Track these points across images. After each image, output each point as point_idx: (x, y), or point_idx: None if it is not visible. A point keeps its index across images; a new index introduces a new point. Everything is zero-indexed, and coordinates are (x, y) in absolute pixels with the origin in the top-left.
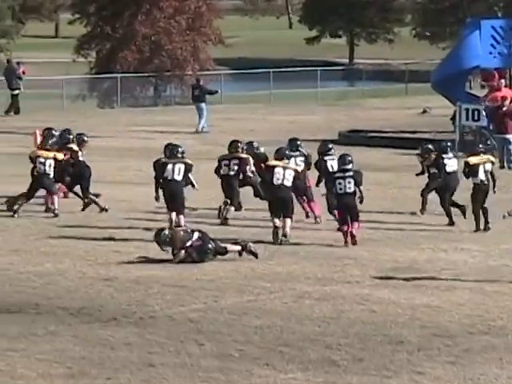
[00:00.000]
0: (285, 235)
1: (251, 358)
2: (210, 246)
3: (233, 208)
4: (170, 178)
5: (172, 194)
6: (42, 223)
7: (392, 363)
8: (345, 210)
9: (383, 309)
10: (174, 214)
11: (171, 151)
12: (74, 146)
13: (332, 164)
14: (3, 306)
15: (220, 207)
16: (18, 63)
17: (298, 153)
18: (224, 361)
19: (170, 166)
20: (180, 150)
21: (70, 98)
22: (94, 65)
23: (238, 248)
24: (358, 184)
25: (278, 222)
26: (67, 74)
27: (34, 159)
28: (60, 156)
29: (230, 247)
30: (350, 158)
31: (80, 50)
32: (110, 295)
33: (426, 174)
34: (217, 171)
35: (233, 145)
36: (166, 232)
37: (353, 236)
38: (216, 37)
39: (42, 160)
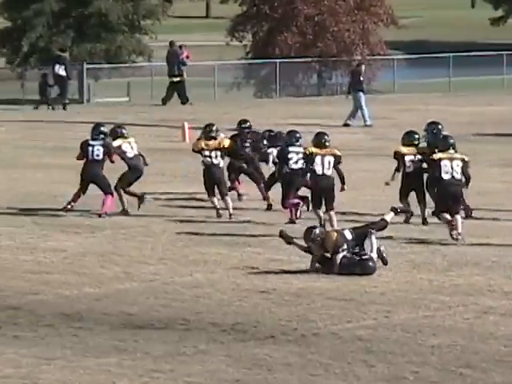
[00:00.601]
0: (456, 237)
1: (428, 381)
2: (371, 255)
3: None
4: (320, 172)
5: (326, 191)
6: (192, 228)
7: None
8: None
9: None
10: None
11: (319, 140)
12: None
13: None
14: (148, 321)
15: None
16: (180, 46)
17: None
18: None
19: (318, 159)
20: (328, 138)
21: (223, 87)
22: (250, 49)
23: (392, 214)
24: None
25: (449, 217)
26: (219, 59)
27: (198, 152)
28: (227, 142)
29: (387, 217)
30: None
31: (234, 32)
32: (267, 309)
33: None
34: (398, 168)
35: (413, 135)
36: (318, 231)
37: None
38: (388, 17)
39: (207, 153)
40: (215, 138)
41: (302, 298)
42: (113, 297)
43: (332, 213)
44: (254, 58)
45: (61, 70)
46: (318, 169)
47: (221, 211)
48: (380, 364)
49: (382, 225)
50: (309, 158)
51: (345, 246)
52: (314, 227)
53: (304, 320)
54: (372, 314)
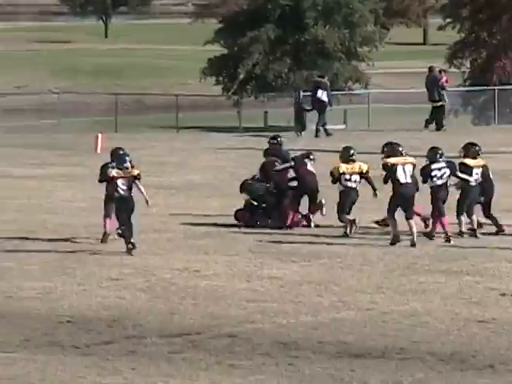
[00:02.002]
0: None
1: None
2: None
3: None
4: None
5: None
6: (409, 256)
7: None
8: None
9: None
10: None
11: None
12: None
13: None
14: (365, 350)
15: None
16: (440, 71)
17: None
18: None
19: (400, 168)
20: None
21: None
22: (468, 76)
23: None
24: None
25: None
26: None
27: (338, 176)
28: (365, 167)
29: None
30: None
31: (453, 58)
32: (485, 339)
33: None
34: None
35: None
36: None
37: None
38: None
39: (348, 177)
40: (354, 161)
41: None
42: (329, 325)
43: (412, 221)
44: (471, 84)
45: (324, 96)
46: (401, 178)
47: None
48: None
49: None
50: (390, 169)
51: None
52: None
53: None
54: None
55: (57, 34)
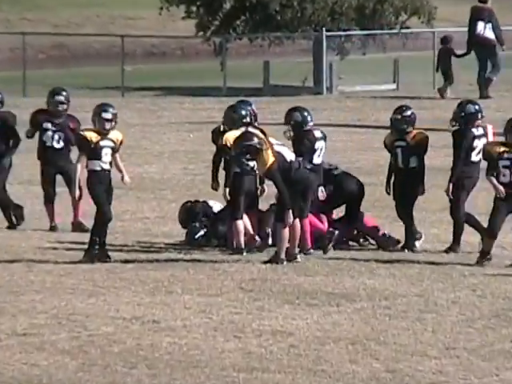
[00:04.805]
0: None
1: None
2: None
3: None
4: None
5: None
6: (497, 299)
7: None
8: None
9: None
10: None
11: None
12: None
13: None
14: None
15: None
16: None
17: None
18: None
19: None
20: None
21: None
22: None
23: None
24: None
25: None
26: None
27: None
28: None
29: None
30: None
31: None
32: None
33: None
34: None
35: None
36: None
37: None
38: None
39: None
40: None
41: None
42: None
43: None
44: None
45: (487, 31)
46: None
47: None
48: None
49: None
50: None
51: None
52: None
53: None
54: None
55: None
